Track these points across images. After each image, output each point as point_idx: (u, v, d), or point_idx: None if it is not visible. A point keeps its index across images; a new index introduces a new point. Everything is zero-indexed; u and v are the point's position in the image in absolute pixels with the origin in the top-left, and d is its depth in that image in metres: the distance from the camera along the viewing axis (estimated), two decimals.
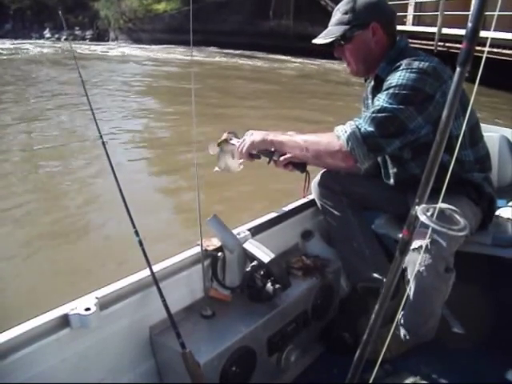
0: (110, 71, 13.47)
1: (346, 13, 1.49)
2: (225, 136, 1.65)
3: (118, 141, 5.97)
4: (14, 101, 8.85)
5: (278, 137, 1.54)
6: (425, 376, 1.45)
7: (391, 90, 1.38)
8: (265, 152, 1.64)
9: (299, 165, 1.66)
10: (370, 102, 1.66)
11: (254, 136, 1.56)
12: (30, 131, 6.70)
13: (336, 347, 1.58)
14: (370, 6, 1.49)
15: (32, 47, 19.62)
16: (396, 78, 1.39)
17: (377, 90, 1.54)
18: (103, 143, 1.44)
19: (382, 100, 1.39)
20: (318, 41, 1.55)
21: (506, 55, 9.42)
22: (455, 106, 0.66)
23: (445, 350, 1.53)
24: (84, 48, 19.96)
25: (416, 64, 1.38)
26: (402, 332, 1.54)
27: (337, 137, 1.41)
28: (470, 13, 0.62)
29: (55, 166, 5.24)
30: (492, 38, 9.14)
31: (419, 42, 11.85)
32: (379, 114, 1.37)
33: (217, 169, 1.70)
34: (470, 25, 0.61)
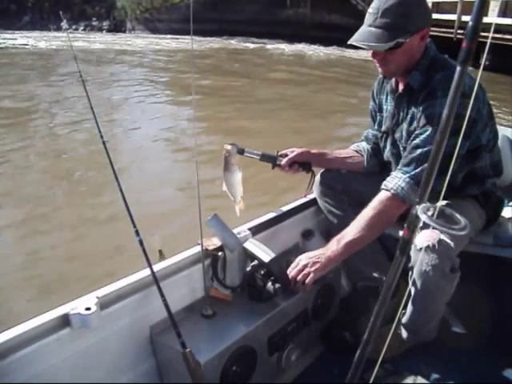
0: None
1: (399, 16, 1.33)
2: (229, 148, 1.53)
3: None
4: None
5: (339, 251, 1.39)
6: (425, 376, 1.45)
7: (433, 126, 1.32)
8: (266, 157, 1.65)
9: (305, 164, 1.68)
10: (385, 101, 1.63)
11: (316, 263, 1.38)
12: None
13: (336, 347, 1.58)
14: (423, 11, 1.39)
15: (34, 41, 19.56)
16: (436, 110, 1.34)
17: (404, 97, 1.50)
18: (104, 143, 1.44)
19: (425, 137, 1.34)
20: (363, 45, 1.36)
21: None
22: (455, 106, 0.66)
23: (446, 349, 1.53)
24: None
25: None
26: (403, 331, 1.54)
27: (393, 194, 1.37)
28: (473, 11, 0.62)
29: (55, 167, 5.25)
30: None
31: (438, 29, 11.44)
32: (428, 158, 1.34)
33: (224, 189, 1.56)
34: (470, 23, 0.61)
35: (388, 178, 1.42)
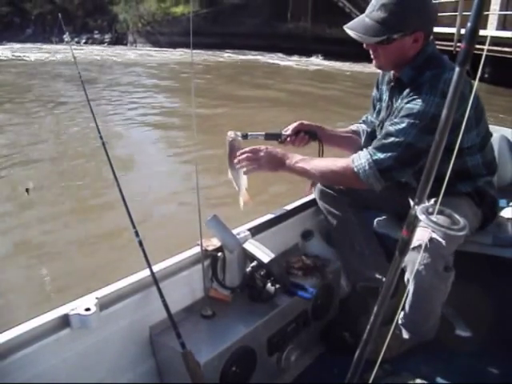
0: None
1: (393, 14, 1.35)
2: (232, 135, 1.55)
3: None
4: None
5: (292, 166, 1.50)
6: (425, 376, 1.45)
7: (411, 119, 1.35)
8: (270, 135, 1.68)
9: (310, 132, 1.71)
10: (384, 91, 1.64)
11: (269, 160, 1.51)
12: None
13: (336, 347, 1.58)
14: (421, 13, 1.38)
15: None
16: (418, 105, 1.35)
17: (396, 90, 1.53)
18: (103, 144, 1.44)
19: (401, 128, 1.37)
20: (353, 34, 1.40)
21: None
22: (454, 106, 0.66)
23: (445, 349, 1.53)
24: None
25: (440, 86, 1.34)
26: (402, 331, 1.54)
27: (355, 172, 1.42)
28: (471, 13, 0.62)
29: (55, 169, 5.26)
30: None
31: (438, 42, 11.52)
32: (399, 148, 1.37)
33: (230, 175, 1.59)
34: (468, 25, 0.62)
35: (358, 155, 1.44)
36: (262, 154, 1.51)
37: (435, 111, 1.33)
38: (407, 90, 1.44)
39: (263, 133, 1.67)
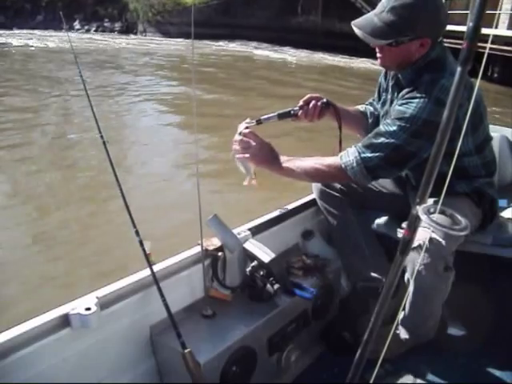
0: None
1: (402, 18, 1.34)
2: (246, 127, 1.54)
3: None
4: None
5: (279, 167, 1.50)
6: (425, 376, 1.45)
7: (402, 123, 1.36)
8: (283, 114, 1.64)
9: (322, 101, 1.66)
10: (389, 87, 1.62)
11: (256, 153, 1.50)
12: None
13: (336, 347, 1.58)
14: (430, 20, 1.37)
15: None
16: (410, 109, 1.35)
17: (396, 88, 1.54)
18: (104, 143, 1.44)
19: (391, 131, 1.37)
20: (360, 33, 1.40)
21: None
22: (456, 107, 0.66)
23: (445, 350, 1.53)
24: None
25: (435, 93, 1.33)
26: (402, 331, 1.54)
27: (342, 168, 1.43)
28: (473, 12, 0.62)
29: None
30: None
31: (448, 40, 11.56)
32: (387, 149, 1.37)
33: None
34: (470, 24, 0.61)
35: (347, 152, 1.45)
36: (253, 143, 1.50)
37: (427, 117, 1.33)
38: (404, 91, 1.44)
39: (276, 113, 1.63)
